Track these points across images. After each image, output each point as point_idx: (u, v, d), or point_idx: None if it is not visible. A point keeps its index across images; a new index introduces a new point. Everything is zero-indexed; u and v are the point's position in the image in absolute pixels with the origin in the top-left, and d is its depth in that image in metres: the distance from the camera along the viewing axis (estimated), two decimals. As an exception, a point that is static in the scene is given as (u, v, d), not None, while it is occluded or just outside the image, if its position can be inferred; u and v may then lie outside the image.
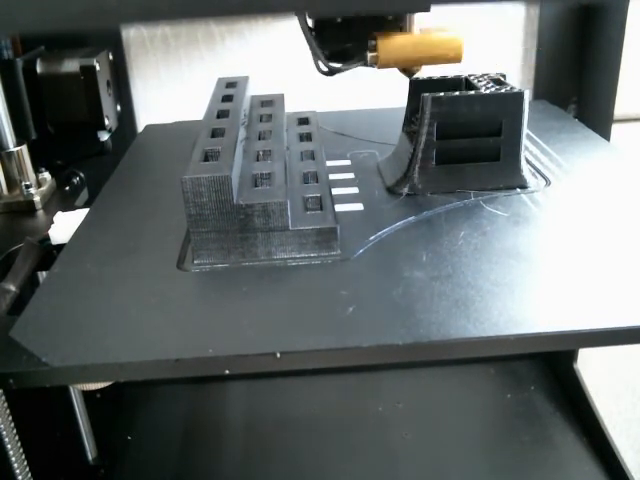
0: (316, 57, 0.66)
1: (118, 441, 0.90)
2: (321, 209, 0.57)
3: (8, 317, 0.52)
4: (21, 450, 0.54)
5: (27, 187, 0.76)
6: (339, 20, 0.66)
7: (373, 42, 0.63)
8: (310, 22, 0.66)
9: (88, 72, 0.81)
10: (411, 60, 0.65)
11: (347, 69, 0.66)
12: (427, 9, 0.61)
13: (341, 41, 0.67)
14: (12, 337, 0.47)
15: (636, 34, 0.88)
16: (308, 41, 0.66)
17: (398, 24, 0.66)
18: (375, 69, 0.65)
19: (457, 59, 0.64)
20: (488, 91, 0.64)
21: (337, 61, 0.66)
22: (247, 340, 0.46)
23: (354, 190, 0.67)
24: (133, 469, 0.87)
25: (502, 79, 0.68)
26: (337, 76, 0.96)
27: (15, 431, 0.53)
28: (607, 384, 1.08)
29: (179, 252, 0.57)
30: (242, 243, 0.55)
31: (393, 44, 0.63)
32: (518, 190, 0.65)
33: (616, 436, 0.85)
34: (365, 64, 0.65)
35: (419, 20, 0.65)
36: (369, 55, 0.64)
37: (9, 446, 0.53)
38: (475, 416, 0.92)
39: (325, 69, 0.66)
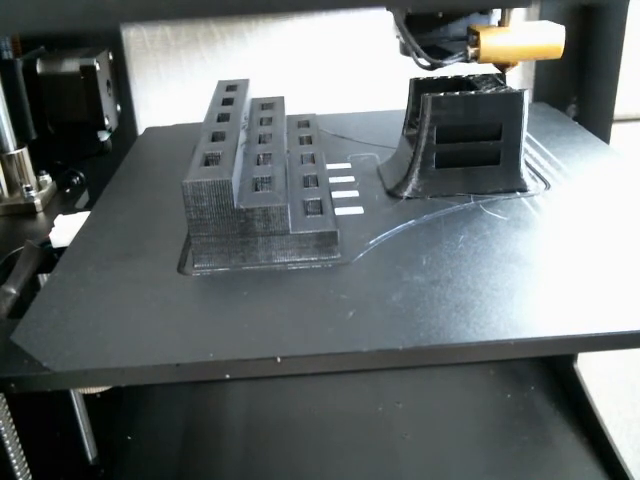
0: (414, 52, 0.65)
1: (118, 441, 0.90)
2: (321, 213, 0.57)
3: (9, 320, 0.52)
4: (21, 450, 0.54)
5: (28, 190, 0.76)
6: (439, 15, 0.67)
7: (474, 37, 0.63)
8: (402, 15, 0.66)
9: (88, 72, 0.81)
10: (511, 56, 0.65)
11: (449, 63, 0.65)
12: (529, 4, 0.62)
13: (437, 36, 0.68)
14: (13, 341, 0.47)
15: (636, 34, 0.88)
16: (404, 35, 0.65)
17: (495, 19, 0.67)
18: (380, 66, 0.65)
19: (556, 55, 0.65)
20: (488, 91, 0.64)
21: (433, 56, 0.66)
22: (248, 344, 0.46)
23: (354, 193, 0.67)
24: (133, 469, 0.87)
25: (502, 80, 0.68)
26: (337, 77, 0.96)
27: (15, 431, 0.53)
28: (607, 384, 1.08)
29: (180, 256, 0.57)
30: (242, 247, 0.55)
31: (496, 40, 0.63)
32: (518, 193, 0.65)
33: (616, 436, 0.85)
34: (465, 59, 0.65)
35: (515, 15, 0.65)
36: (470, 50, 0.63)
37: (9, 445, 0.53)
38: (475, 416, 0.92)
39: (426, 64, 0.66)
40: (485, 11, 0.68)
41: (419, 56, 0.65)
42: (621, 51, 0.87)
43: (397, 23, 0.65)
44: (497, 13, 0.67)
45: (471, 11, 0.67)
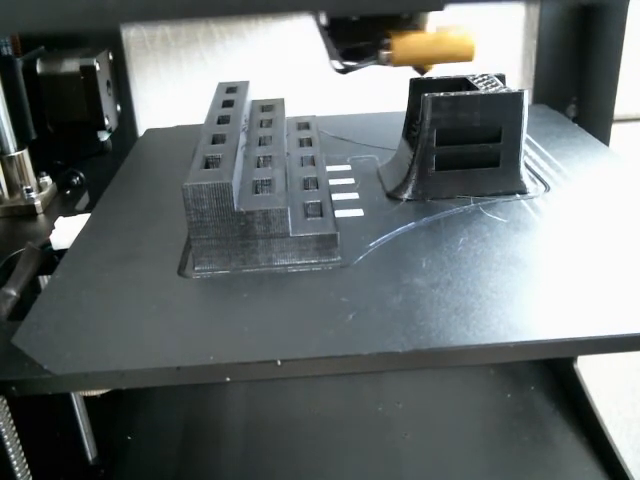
0: (330, 55, 0.66)
1: (118, 441, 0.90)
2: (321, 215, 0.57)
3: (9, 323, 0.52)
4: (21, 450, 0.54)
5: (28, 191, 0.76)
6: (354, 19, 0.66)
7: (387, 40, 0.63)
8: (324, 20, 0.66)
9: (88, 72, 0.81)
10: (425, 59, 0.65)
11: (361, 67, 0.65)
12: (441, 8, 0.62)
13: (355, 39, 0.67)
14: (14, 344, 0.47)
15: (636, 34, 0.88)
16: (323, 39, 0.66)
17: (413, 22, 0.66)
18: (382, 69, 0.65)
19: (469, 58, 0.64)
20: (488, 91, 0.64)
21: (351, 59, 0.66)
22: (248, 347, 0.46)
23: (354, 196, 0.67)
24: (133, 469, 0.87)
25: (501, 80, 0.68)
26: (336, 78, 0.96)
27: (15, 431, 0.53)
28: (607, 384, 1.08)
29: (180, 258, 0.57)
30: (243, 250, 0.55)
31: (407, 42, 0.63)
32: (517, 196, 0.65)
33: (616, 436, 0.85)
34: (379, 62, 0.65)
35: (434, 19, 0.64)
36: (383, 53, 0.63)
37: (8, 443, 0.53)
38: (475, 416, 0.92)
39: (340, 67, 0.66)
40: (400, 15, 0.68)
41: (332, 59, 0.66)
42: (621, 51, 0.87)
43: (316, 26, 0.66)
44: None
45: (385, 15, 0.67)
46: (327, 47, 0.66)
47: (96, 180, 0.86)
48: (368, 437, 0.89)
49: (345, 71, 0.66)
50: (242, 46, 0.96)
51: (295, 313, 0.50)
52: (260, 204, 0.54)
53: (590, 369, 0.94)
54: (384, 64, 0.64)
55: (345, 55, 0.66)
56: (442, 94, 0.63)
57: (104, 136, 0.88)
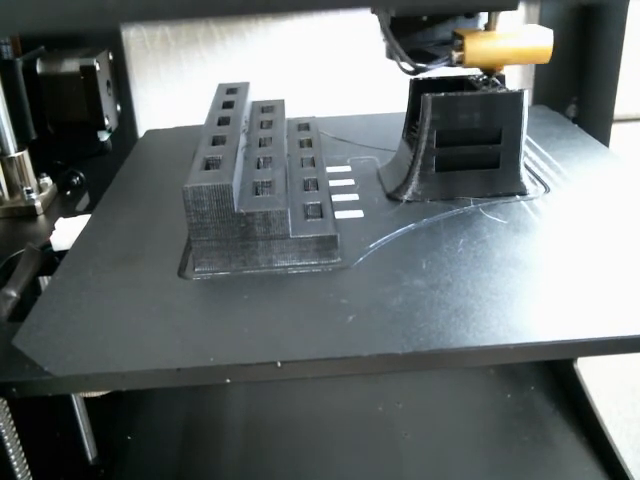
0: (398, 56, 0.65)
1: (118, 441, 0.90)
2: (321, 217, 0.57)
3: (10, 324, 0.52)
4: (21, 450, 0.54)
5: (28, 192, 0.76)
6: (424, 18, 0.66)
7: (459, 41, 0.63)
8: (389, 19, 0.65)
9: (88, 72, 0.81)
10: (497, 61, 0.64)
11: (433, 68, 0.65)
12: (515, 7, 0.61)
13: (424, 40, 0.68)
14: (14, 345, 0.47)
15: (636, 34, 0.88)
16: (389, 39, 0.65)
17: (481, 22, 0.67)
18: (381, 69, 0.64)
19: (544, 60, 0.64)
20: (488, 91, 0.64)
21: (418, 61, 0.65)
22: (248, 349, 0.46)
23: (354, 197, 0.68)
24: (133, 469, 0.86)
25: (501, 80, 0.68)
26: (337, 79, 0.96)
27: (15, 431, 0.53)
28: (607, 384, 1.08)
29: (180, 260, 0.57)
30: (243, 251, 0.55)
31: (481, 45, 0.62)
32: (517, 197, 0.65)
33: (616, 436, 0.85)
34: (450, 63, 0.64)
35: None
36: (455, 54, 0.63)
37: (9, 444, 0.53)
38: (475, 416, 0.92)
39: (410, 68, 0.65)
40: (471, 15, 0.67)
41: (402, 60, 0.65)
42: (621, 51, 0.87)
43: (382, 27, 0.65)
44: (484, 17, 0.67)
45: (456, 14, 0.67)
46: (393, 48, 0.65)
47: (96, 180, 0.87)
48: (368, 437, 0.89)
49: (415, 72, 0.66)
50: (242, 46, 0.96)
51: (295, 314, 0.50)
52: (260, 205, 0.54)
53: (590, 369, 0.94)
54: (455, 65, 0.64)
55: (411, 56, 0.65)
56: (442, 94, 0.63)
57: (104, 136, 0.88)
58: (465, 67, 0.64)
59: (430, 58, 0.65)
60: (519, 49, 0.63)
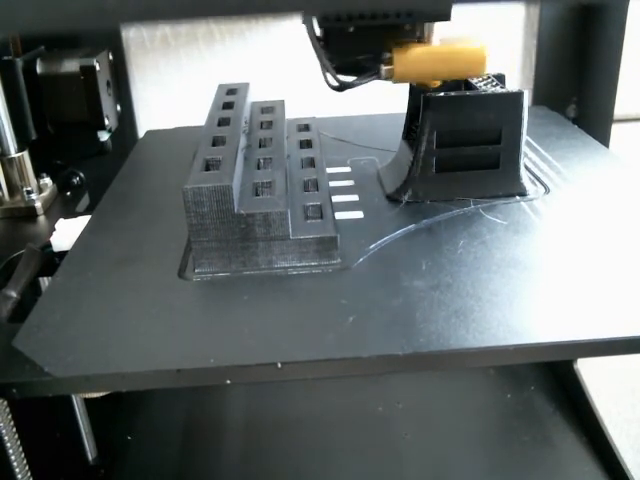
0: (325, 70, 0.62)
1: (118, 441, 0.91)
2: (321, 218, 0.57)
3: (10, 325, 0.52)
4: (21, 450, 0.54)
5: (28, 193, 0.77)
6: (351, 29, 0.62)
7: (388, 54, 0.61)
8: (318, 31, 0.62)
9: (88, 72, 0.81)
10: (429, 74, 0.62)
11: (359, 84, 0.62)
12: (448, 18, 0.58)
13: (352, 53, 0.63)
14: (15, 346, 0.47)
15: (636, 34, 0.88)
16: (316, 52, 0.61)
17: (415, 34, 0.62)
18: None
19: (479, 74, 0.63)
20: (488, 91, 0.64)
21: (347, 74, 0.62)
22: (248, 350, 0.46)
23: (354, 197, 0.68)
24: (133, 469, 0.87)
25: (501, 80, 0.68)
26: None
27: (15, 431, 0.53)
28: (607, 384, 1.08)
29: (180, 261, 0.57)
30: (243, 252, 0.55)
31: (410, 57, 0.60)
32: (517, 198, 0.65)
33: (616, 436, 0.85)
34: (379, 78, 0.62)
35: (438, 30, 0.61)
36: (384, 69, 0.61)
37: (9, 445, 0.53)
38: (475, 416, 0.92)
39: (335, 83, 0.62)
40: (402, 26, 0.63)
41: (328, 72, 0.62)
42: (621, 51, 0.87)
43: (309, 37, 0.61)
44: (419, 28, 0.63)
45: (385, 25, 0.62)
46: (320, 61, 0.62)
47: (96, 180, 0.87)
48: (368, 437, 0.89)
49: (341, 88, 0.63)
50: (242, 46, 0.96)
51: (295, 315, 0.50)
52: (260, 206, 0.54)
53: (590, 369, 0.94)
54: (384, 80, 0.62)
55: (341, 70, 0.62)
56: (442, 94, 0.63)
57: (104, 136, 0.88)
58: (395, 82, 0.61)
59: (363, 72, 0.63)
60: (452, 61, 0.61)
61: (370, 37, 0.63)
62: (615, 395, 1.12)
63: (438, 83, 0.65)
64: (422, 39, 0.61)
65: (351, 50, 0.63)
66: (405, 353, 0.45)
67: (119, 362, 0.46)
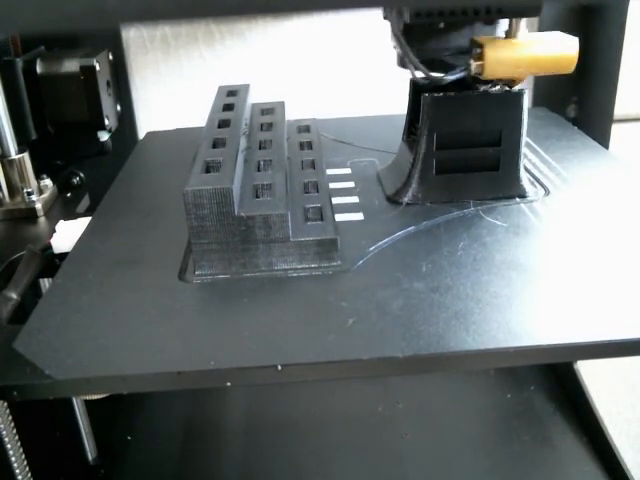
0: (412, 65, 0.62)
1: (118, 441, 0.91)
2: (321, 219, 0.57)
3: (11, 327, 0.52)
4: (21, 450, 0.54)
5: (29, 194, 0.77)
6: (441, 25, 0.63)
7: (478, 49, 0.60)
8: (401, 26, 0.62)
9: (88, 72, 0.81)
10: (520, 72, 0.61)
11: (450, 79, 0.62)
12: (538, 13, 0.59)
13: (440, 48, 0.65)
14: (15, 349, 0.47)
15: (636, 34, 0.88)
16: (402, 48, 0.62)
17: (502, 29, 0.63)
18: (382, 70, 0.62)
19: (569, 69, 0.61)
20: (488, 91, 0.64)
21: (434, 70, 0.62)
22: (248, 352, 0.46)
23: (354, 199, 0.68)
24: (133, 469, 0.87)
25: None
26: (338, 80, 0.96)
27: (15, 431, 0.53)
28: (607, 384, 1.08)
29: (181, 262, 0.57)
30: (243, 254, 0.55)
31: (502, 54, 0.59)
32: (517, 200, 0.65)
33: (616, 436, 0.85)
34: (469, 74, 0.61)
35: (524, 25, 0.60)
36: (474, 64, 0.60)
37: (9, 446, 0.53)
38: (475, 416, 0.92)
39: (424, 80, 0.63)
40: (490, 21, 0.64)
41: (417, 69, 0.62)
42: (621, 51, 0.87)
43: (394, 33, 0.62)
44: (503, 23, 0.63)
45: (475, 20, 0.63)
46: (406, 56, 0.62)
47: (96, 180, 0.87)
48: (368, 437, 0.89)
49: (430, 83, 0.63)
50: (242, 46, 0.96)
51: (295, 318, 0.50)
52: (260, 208, 0.54)
53: (590, 369, 0.94)
54: (474, 76, 0.61)
55: (426, 65, 0.61)
56: (442, 94, 0.63)
57: (104, 136, 0.88)
58: (485, 78, 0.61)
59: (446, 67, 0.63)
60: (543, 58, 0.60)
61: (455, 32, 0.64)
62: (615, 395, 1.12)
63: (525, 80, 0.64)
64: (510, 34, 0.61)
65: (436, 45, 0.65)
66: (405, 355, 0.45)
67: (120, 364, 0.46)
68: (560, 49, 0.60)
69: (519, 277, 0.53)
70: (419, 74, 0.63)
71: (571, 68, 0.61)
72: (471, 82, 0.65)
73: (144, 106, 0.99)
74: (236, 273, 0.55)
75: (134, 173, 0.80)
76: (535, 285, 0.52)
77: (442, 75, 0.62)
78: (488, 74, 0.60)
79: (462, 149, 0.64)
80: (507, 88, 0.64)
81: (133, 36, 0.95)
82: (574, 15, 0.93)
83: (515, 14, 0.60)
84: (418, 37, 0.64)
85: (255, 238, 0.54)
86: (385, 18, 0.65)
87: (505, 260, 0.55)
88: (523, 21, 0.60)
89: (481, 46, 0.60)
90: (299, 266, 0.55)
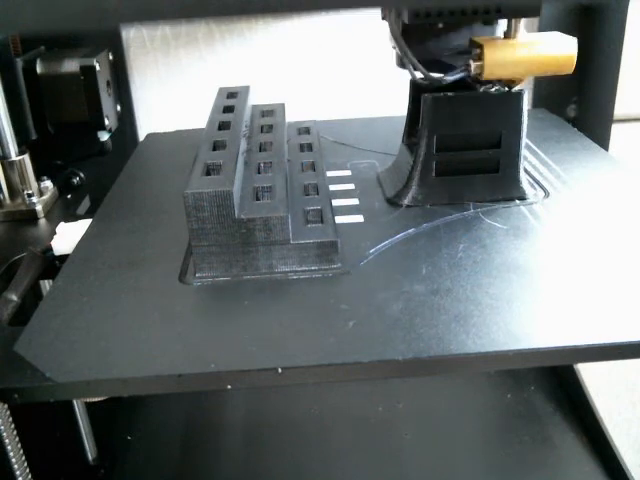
0: (411, 65, 0.62)
1: (118, 441, 0.91)
2: (322, 222, 0.57)
3: (11, 329, 0.52)
4: (21, 450, 0.54)
5: (29, 196, 0.77)
6: (440, 25, 0.63)
7: (477, 50, 0.60)
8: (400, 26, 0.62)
9: (88, 72, 0.81)
10: (519, 73, 0.61)
11: (449, 80, 0.62)
12: (537, 13, 0.59)
13: (439, 49, 0.65)
14: (16, 351, 0.47)
15: (636, 34, 0.88)
16: (401, 49, 0.62)
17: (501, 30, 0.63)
18: (382, 71, 0.62)
19: (568, 70, 0.61)
20: (487, 91, 0.64)
21: (432, 71, 0.62)
22: (249, 355, 0.46)
23: (354, 201, 0.68)
24: (133, 469, 0.87)
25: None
26: (338, 81, 0.96)
27: (15, 431, 0.53)
28: (607, 384, 1.08)
29: (181, 265, 0.57)
30: (243, 257, 0.55)
31: (501, 55, 0.59)
32: (517, 202, 0.65)
33: (616, 436, 0.85)
34: (468, 75, 0.61)
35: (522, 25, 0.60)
36: (473, 65, 0.60)
37: (9, 447, 0.53)
38: (475, 416, 0.93)
39: (424, 81, 0.63)
40: (489, 21, 0.64)
41: (415, 70, 0.62)
42: (621, 51, 0.87)
43: (392, 33, 0.63)
44: (503, 24, 0.63)
45: (474, 21, 0.64)
46: (405, 56, 0.62)
47: (96, 181, 0.87)
48: (368, 437, 0.89)
49: (430, 83, 0.63)
50: (242, 46, 0.96)
51: (295, 320, 0.50)
52: (261, 211, 0.54)
53: (590, 369, 0.94)
54: (473, 77, 0.61)
55: (424, 65, 0.62)
56: (441, 94, 0.63)
57: (104, 136, 0.88)
58: (485, 78, 0.61)
59: (445, 68, 0.63)
60: (543, 59, 0.60)
61: (454, 33, 0.64)
62: (615, 395, 1.12)
63: (524, 80, 0.64)
64: (509, 35, 0.61)
65: (435, 45, 0.65)
66: (405, 358, 0.45)
67: (120, 367, 0.46)
68: (559, 49, 0.60)
69: (519, 279, 0.53)
70: (418, 74, 0.63)
71: (570, 68, 0.61)
72: (471, 83, 0.65)
73: (144, 106, 0.99)
74: (236, 275, 0.55)
75: (134, 175, 0.80)
76: (535, 287, 0.52)
77: (441, 76, 0.63)
78: (487, 74, 0.60)
79: (462, 151, 0.64)
80: (507, 88, 0.64)
81: (133, 36, 0.95)
82: (574, 15, 0.93)
83: (514, 14, 0.60)
84: (417, 38, 0.64)
85: (255, 240, 0.54)
86: (384, 19, 0.66)
87: (505, 262, 0.55)
88: (522, 21, 0.60)
89: (480, 47, 0.60)
90: (299, 268, 0.55)
